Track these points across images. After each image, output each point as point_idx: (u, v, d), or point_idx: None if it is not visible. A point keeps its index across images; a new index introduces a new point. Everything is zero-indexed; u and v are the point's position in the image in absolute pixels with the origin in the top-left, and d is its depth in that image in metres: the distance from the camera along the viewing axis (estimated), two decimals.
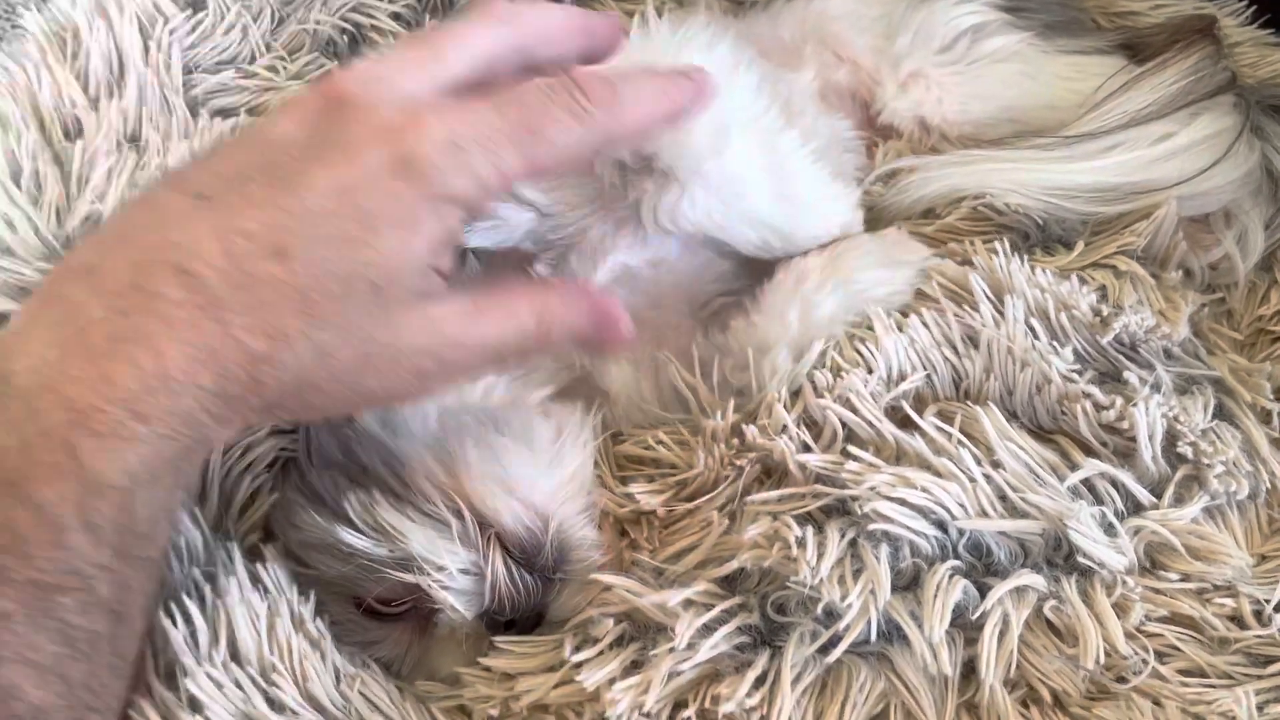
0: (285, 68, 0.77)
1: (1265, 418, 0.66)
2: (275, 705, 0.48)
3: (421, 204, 0.45)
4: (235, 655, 0.49)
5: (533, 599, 0.55)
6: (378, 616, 0.56)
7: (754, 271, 0.69)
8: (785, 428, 0.57)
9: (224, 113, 0.72)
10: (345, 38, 0.80)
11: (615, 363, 0.67)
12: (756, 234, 0.66)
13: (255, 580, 0.52)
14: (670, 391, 0.66)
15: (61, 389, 0.41)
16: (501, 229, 0.65)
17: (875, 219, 0.76)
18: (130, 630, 0.45)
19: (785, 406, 0.58)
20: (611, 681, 0.50)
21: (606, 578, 0.54)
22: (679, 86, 0.53)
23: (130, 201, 0.56)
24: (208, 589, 0.50)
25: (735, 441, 0.58)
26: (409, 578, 0.53)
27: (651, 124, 0.52)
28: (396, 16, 0.81)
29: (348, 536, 0.53)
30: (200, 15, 0.73)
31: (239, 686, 0.48)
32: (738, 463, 0.58)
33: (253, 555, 0.54)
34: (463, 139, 0.45)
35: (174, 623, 0.48)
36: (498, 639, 0.55)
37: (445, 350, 0.47)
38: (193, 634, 0.48)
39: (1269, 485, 0.62)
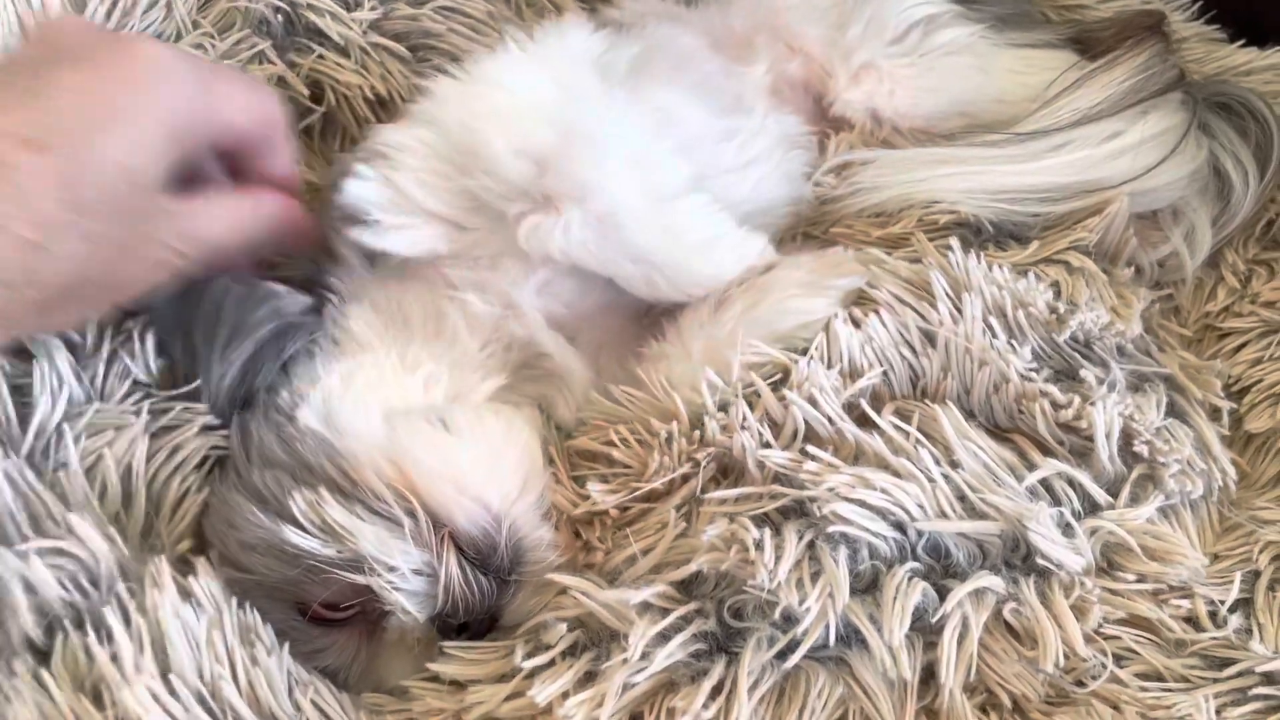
0: (214, 45, 0.73)
1: (1215, 415, 0.66)
2: (219, 717, 0.46)
3: (155, 94, 0.50)
4: (169, 669, 0.46)
5: (487, 601, 0.53)
6: (323, 623, 0.54)
7: None
8: (745, 422, 0.56)
9: None
10: (279, 16, 0.76)
11: (564, 345, 0.65)
12: (639, 271, 0.63)
13: (186, 595, 0.49)
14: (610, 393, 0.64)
15: None
16: (410, 239, 0.62)
17: (826, 214, 0.75)
18: None
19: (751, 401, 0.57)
20: (564, 695, 0.48)
21: (562, 578, 0.52)
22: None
23: None
24: (132, 605, 0.47)
25: (696, 434, 0.56)
26: (359, 579, 0.51)
27: None
28: None
29: (294, 536, 0.51)
30: None
31: (176, 698, 0.45)
32: (696, 457, 0.56)
33: (184, 564, 0.52)
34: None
35: (99, 640, 0.46)
36: (447, 645, 0.53)
37: (183, 243, 0.53)
38: (118, 652, 0.46)
39: (1220, 483, 0.62)
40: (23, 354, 0.55)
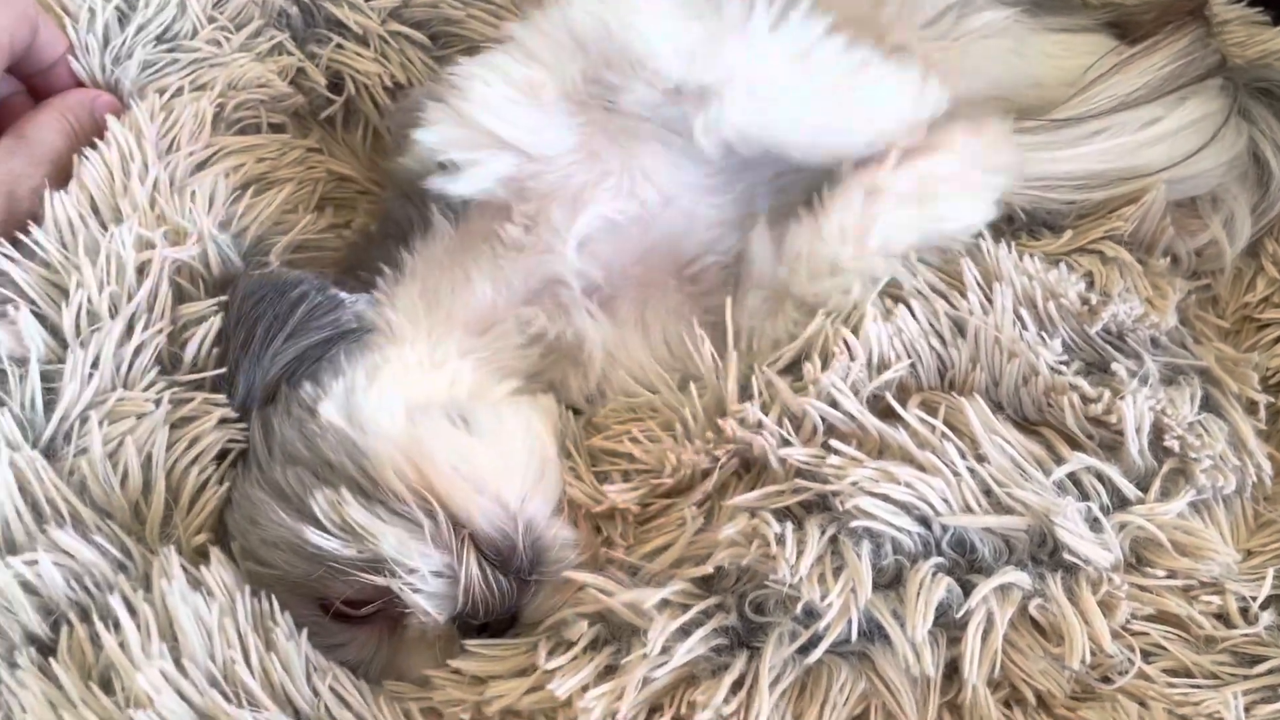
0: (229, 39, 0.74)
1: (1251, 409, 0.65)
2: (235, 700, 0.46)
3: None
4: (179, 654, 0.47)
5: (507, 601, 0.53)
6: (344, 619, 0.53)
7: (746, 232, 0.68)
8: (761, 423, 0.55)
9: (164, 91, 0.69)
10: (297, 8, 0.77)
11: (593, 323, 0.65)
12: (806, 136, 0.65)
13: (197, 584, 0.49)
14: (663, 347, 0.65)
15: None
16: (480, 173, 0.64)
17: None
18: None
19: (768, 401, 0.56)
20: (584, 688, 0.48)
21: (579, 576, 0.52)
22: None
23: None
24: (137, 596, 0.48)
25: (711, 435, 0.56)
26: (379, 580, 0.50)
27: None
28: None
29: (315, 537, 0.51)
30: None
31: (188, 679, 0.46)
32: (715, 453, 0.55)
33: (201, 555, 0.52)
34: None
35: (107, 628, 0.46)
36: (469, 642, 0.53)
37: (34, 167, 0.60)
38: (125, 640, 0.46)
39: (1255, 479, 0.61)
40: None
